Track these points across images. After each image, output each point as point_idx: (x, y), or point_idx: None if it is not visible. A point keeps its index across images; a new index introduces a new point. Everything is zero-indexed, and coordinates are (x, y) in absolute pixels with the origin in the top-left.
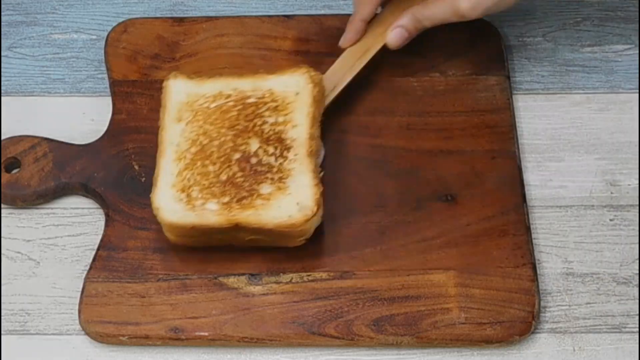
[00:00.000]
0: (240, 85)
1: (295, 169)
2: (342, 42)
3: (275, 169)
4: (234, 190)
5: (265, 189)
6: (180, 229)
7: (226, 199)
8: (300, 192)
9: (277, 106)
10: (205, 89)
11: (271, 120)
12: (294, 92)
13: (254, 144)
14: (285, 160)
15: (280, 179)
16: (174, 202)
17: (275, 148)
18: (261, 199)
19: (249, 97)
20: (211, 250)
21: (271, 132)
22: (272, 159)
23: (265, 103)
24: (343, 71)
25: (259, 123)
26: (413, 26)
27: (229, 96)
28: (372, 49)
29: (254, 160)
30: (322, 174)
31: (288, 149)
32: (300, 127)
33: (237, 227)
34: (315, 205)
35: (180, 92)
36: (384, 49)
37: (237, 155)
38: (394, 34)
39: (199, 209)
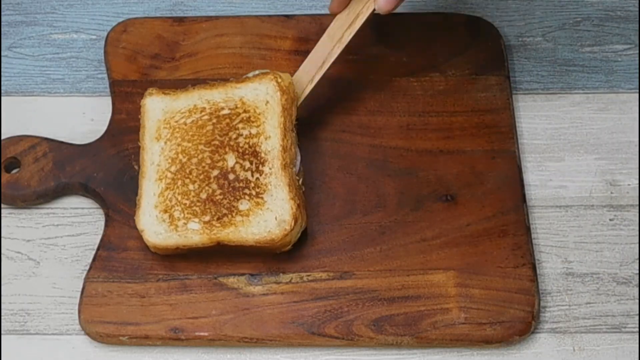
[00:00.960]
0: (212, 96)
1: (271, 183)
2: (330, 8)
3: (252, 185)
4: (214, 208)
5: (244, 205)
6: (165, 250)
7: (207, 218)
8: (278, 207)
9: (249, 117)
10: (180, 103)
11: (245, 132)
12: (264, 101)
13: (231, 160)
14: (261, 175)
15: (258, 194)
16: (157, 224)
17: (251, 163)
18: (240, 215)
19: (222, 108)
20: (211, 251)
21: (246, 146)
22: (248, 174)
23: (238, 114)
24: (332, 43)
25: (234, 137)
26: None
27: (203, 109)
28: (360, 16)
29: (231, 176)
30: (300, 180)
31: (263, 162)
32: (272, 138)
33: (219, 244)
34: (292, 219)
35: (157, 109)
36: (372, 17)
37: (215, 172)
38: None
39: (182, 229)
